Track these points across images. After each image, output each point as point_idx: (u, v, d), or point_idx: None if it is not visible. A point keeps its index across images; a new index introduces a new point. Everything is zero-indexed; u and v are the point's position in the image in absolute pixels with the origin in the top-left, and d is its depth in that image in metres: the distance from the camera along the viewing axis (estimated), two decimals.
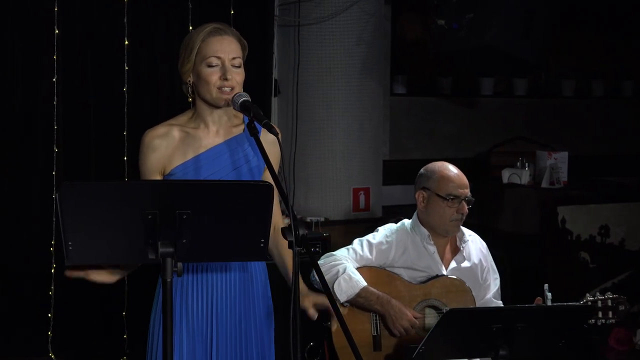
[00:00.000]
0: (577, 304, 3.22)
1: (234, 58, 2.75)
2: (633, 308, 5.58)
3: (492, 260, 3.61)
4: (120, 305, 5.03)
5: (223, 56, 2.74)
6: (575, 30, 7.50)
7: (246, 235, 2.35)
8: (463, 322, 2.76)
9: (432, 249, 3.47)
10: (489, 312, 3.01)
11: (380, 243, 3.47)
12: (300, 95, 5.63)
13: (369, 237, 3.52)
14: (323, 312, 2.83)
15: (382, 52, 5.91)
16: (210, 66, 2.74)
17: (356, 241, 3.51)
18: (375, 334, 3.37)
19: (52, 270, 4.87)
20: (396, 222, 3.58)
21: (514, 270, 5.15)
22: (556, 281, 5.47)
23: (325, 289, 2.46)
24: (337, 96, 5.62)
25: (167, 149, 2.76)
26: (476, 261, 3.54)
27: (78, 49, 4.93)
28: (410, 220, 3.56)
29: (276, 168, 2.84)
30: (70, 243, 2.24)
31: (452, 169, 3.48)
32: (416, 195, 3.50)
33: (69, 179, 4.83)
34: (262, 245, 2.36)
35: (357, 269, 3.40)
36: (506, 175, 5.86)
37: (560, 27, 6.10)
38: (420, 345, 2.73)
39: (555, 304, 3.15)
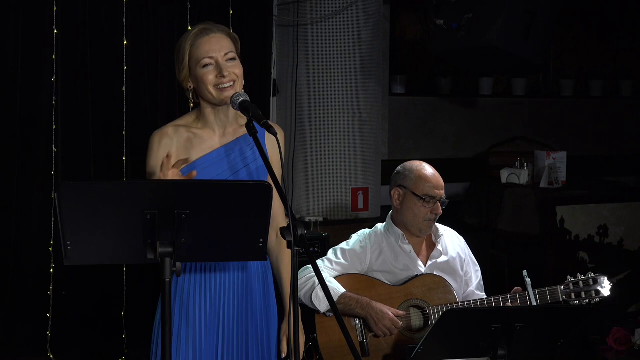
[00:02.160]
0: (575, 306, 3.22)
1: (226, 53, 2.75)
2: (631, 308, 5.59)
3: (470, 252, 3.62)
4: (119, 306, 5.03)
5: (215, 55, 2.74)
6: (575, 30, 7.51)
7: (245, 235, 2.35)
8: (462, 322, 2.76)
9: (408, 247, 3.47)
10: (488, 312, 3.01)
11: (354, 249, 3.48)
12: (299, 95, 5.64)
13: (343, 244, 3.53)
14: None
15: (381, 52, 5.91)
16: (205, 67, 2.74)
17: (330, 251, 3.52)
18: (361, 339, 3.37)
19: (51, 270, 4.87)
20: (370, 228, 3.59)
21: (513, 270, 5.16)
22: (555, 281, 5.46)
23: (323, 286, 2.45)
24: (336, 96, 5.62)
25: (176, 149, 2.77)
26: (454, 254, 3.54)
27: (77, 49, 4.93)
28: (384, 223, 3.56)
29: (278, 168, 2.84)
30: (69, 243, 2.24)
31: (430, 170, 3.50)
32: (392, 193, 3.51)
33: (68, 178, 4.83)
34: (261, 245, 2.35)
35: (336, 277, 3.40)
36: (505, 175, 5.87)
37: (560, 27, 6.11)
38: (419, 345, 2.73)
39: (554, 305, 3.16)
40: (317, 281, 3.29)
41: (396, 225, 3.50)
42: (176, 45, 2.85)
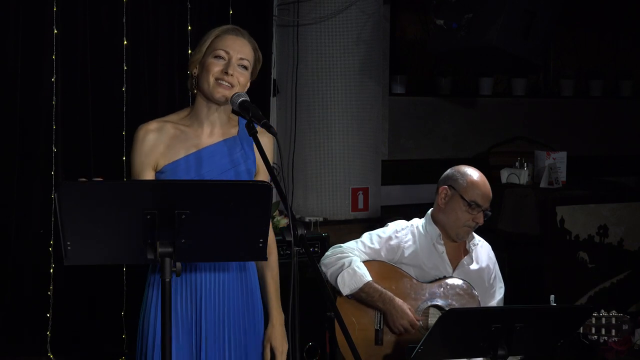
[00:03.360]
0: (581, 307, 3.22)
1: (242, 58, 2.76)
2: (631, 308, 5.59)
3: (498, 268, 3.63)
4: (118, 306, 5.03)
5: (232, 53, 2.75)
6: (575, 30, 7.51)
7: (245, 235, 2.35)
8: (462, 322, 2.76)
9: (442, 248, 3.47)
10: (488, 312, 3.01)
11: (390, 238, 3.48)
12: (299, 95, 5.64)
13: (379, 231, 3.52)
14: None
15: (381, 52, 5.91)
16: (216, 57, 2.75)
17: (366, 234, 3.51)
18: (377, 327, 3.38)
19: (51, 270, 4.87)
20: (407, 220, 3.58)
21: (513, 271, 5.15)
22: (555, 281, 5.47)
23: (322, 286, 2.46)
24: (336, 96, 5.62)
25: (161, 145, 2.76)
26: (484, 265, 3.55)
27: (77, 49, 4.93)
28: (422, 218, 3.56)
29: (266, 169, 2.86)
30: (69, 243, 2.24)
31: (482, 179, 3.49)
32: (439, 190, 3.49)
33: (68, 178, 4.82)
34: (261, 245, 2.36)
35: (365, 262, 3.40)
36: (505, 175, 5.86)
37: (560, 27, 6.11)
38: (420, 345, 2.73)
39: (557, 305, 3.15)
40: (346, 263, 3.33)
41: (435, 224, 3.49)
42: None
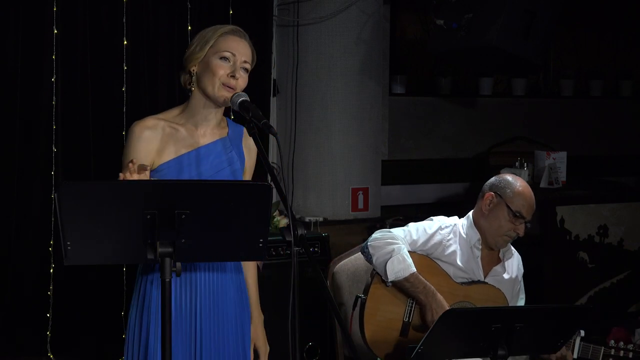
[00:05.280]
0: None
1: (245, 62, 2.77)
2: (631, 308, 5.59)
3: (522, 280, 3.66)
4: (118, 306, 5.03)
5: (237, 55, 2.75)
6: (575, 30, 7.51)
7: (245, 235, 2.35)
8: (462, 322, 2.76)
9: (478, 253, 3.49)
10: (488, 312, 3.01)
11: (435, 234, 3.49)
12: (299, 95, 5.63)
13: (425, 224, 3.53)
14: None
15: (381, 51, 5.91)
16: (222, 59, 2.74)
17: (412, 225, 3.53)
18: (406, 320, 3.39)
19: (51, 270, 4.87)
20: (448, 216, 3.60)
21: None
22: (555, 281, 5.47)
23: (322, 286, 2.45)
24: (336, 96, 5.62)
25: (156, 142, 2.77)
26: (513, 276, 3.58)
27: (77, 49, 4.93)
28: (462, 218, 3.57)
29: (252, 168, 2.89)
30: (69, 243, 2.24)
31: (529, 190, 3.50)
32: (485, 196, 3.50)
33: (68, 178, 4.83)
34: (261, 245, 2.36)
35: (409, 252, 3.42)
36: None
37: (560, 27, 6.11)
38: (420, 345, 2.73)
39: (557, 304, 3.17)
40: (396, 250, 3.33)
41: (477, 228, 3.51)
42: (201, 31, 2.84)
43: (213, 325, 2.80)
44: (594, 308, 3.15)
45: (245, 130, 2.62)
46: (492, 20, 4.63)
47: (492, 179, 3.56)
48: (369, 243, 3.43)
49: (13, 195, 4.84)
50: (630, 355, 3.25)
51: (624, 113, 7.60)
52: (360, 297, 3.42)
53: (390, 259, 3.33)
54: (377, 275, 3.40)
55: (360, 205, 5.72)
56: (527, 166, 5.80)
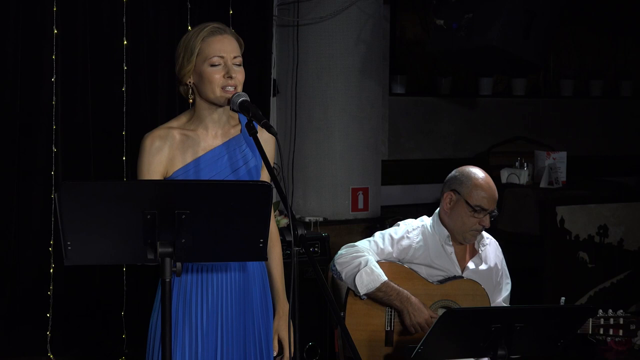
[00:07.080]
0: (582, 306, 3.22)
1: (235, 57, 2.75)
2: (631, 308, 5.59)
3: (505, 264, 3.61)
4: (119, 306, 5.03)
5: (225, 55, 2.73)
6: (575, 30, 7.51)
7: (245, 236, 2.35)
8: (462, 321, 2.76)
9: (450, 249, 3.45)
10: (488, 312, 3.01)
11: (402, 238, 3.46)
12: (299, 95, 5.64)
13: (391, 231, 3.50)
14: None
15: (381, 52, 5.91)
16: (213, 65, 2.73)
17: (378, 234, 3.50)
18: (388, 329, 3.38)
19: (51, 270, 4.87)
20: (415, 219, 3.57)
21: (513, 271, 5.15)
22: (555, 281, 5.47)
23: (322, 286, 2.45)
24: (336, 96, 5.62)
25: (169, 151, 2.76)
26: (492, 265, 3.53)
27: (77, 49, 4.93)
28: (431, 217, 3.55)
29: (272, 160, 2.87)
30: (69, 243, 2.23)
31: (487, 180, 3.45)
32: (444, 195, 3.47)
33: (68, 178, 4.83)
34: (261, 245, 2.35)
35: (377, 262, 3.39)
36: (505, 175, 5.87)
37: (560, 27, 6.11)
38: (420, 345, 2.73)
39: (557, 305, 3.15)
40: (363, 262, 3.31)
41: (443, 225, 3.48)
42: (182, 40, 2.83)
43: (237, 324, 2.81)
44: (594, 308, 3.14)
45: (258, 125, 2.62)
46: (492, 21, 4.63)
47: (451, 174, 3.51)
48: (335, 261, 3.40)
49: (13, 195, 4.84)
50: (621, 321, 3.23)
51: (624, 113, 7.61)
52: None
53: (359, 273, 3.30)
54: (350, 290, 3.38)
55: (360, 205, 5.72)
56: (527, 166, 5.80)
